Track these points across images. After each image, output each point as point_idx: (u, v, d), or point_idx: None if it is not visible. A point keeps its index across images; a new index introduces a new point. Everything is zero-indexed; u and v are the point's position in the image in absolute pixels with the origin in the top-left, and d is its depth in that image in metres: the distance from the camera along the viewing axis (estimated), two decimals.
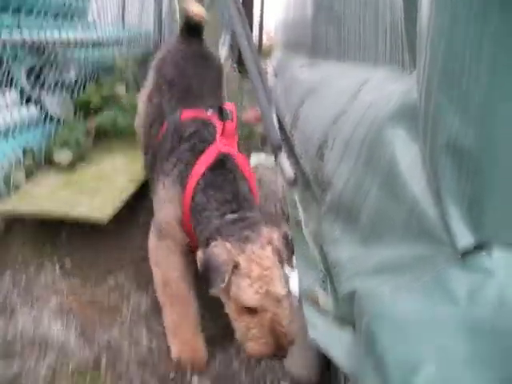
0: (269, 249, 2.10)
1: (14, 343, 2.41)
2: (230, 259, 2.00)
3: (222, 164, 2.36)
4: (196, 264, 2.15)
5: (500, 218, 1.51)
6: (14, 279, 2.82)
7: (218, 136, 2.45)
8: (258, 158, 4.62)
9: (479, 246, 1.49)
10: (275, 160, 3.82)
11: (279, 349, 2.00)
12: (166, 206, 2.40)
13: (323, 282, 2.29)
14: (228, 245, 2.03)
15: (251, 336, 2.00)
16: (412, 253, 1.71)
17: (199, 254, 2.10)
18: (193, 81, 2.83)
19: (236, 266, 2.01)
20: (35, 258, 2.94)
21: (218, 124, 2.52)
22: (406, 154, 1.89)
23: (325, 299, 2.17)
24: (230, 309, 2.07)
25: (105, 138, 3.90)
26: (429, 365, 1.31)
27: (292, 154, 3.37)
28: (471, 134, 1.47)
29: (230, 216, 2.18)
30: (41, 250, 2.99)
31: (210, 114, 2.63)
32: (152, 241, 2.44)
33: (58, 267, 2.87)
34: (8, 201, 3.03)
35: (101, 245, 3.00)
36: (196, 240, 2.29)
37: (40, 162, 3.48)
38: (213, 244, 2.06)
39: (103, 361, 2.34)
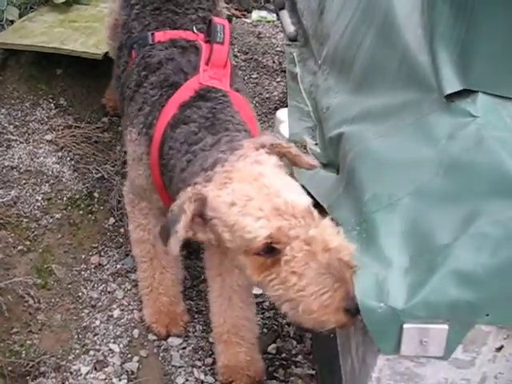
0: (261, 152, 1.48)
1: (11, 173, 2.51)
2: (185, 197, 1.40)
3: (201, 99, 1.70)
4: None
5: (488, 68, 1.53)
6: (10, 114, 2.87)
7: (201, 65, 1.77)
8: (258, 15, 4.52)
9: (465, 93, 1.53)
10: (277, 16, 3.74)
11: (346, 287, 1.26)
12: (134, 166, 1.88)
13: (312, 130, 2.34)
14: (189, 188, 1.44)
15: (298, 292, 1.28)
16: (399, 99, 1.74)
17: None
18: None
19: (202, 201, 1.40)
20: (30, 94, 2.96)
21: (205, 47, 1.82)
22: (404, 3, 1.87)
23: (312, 146, 2.23)
24: (244, 269, 1.40)
25: None
26: (406, 198, 1.38)
27: (294, 11, 3.28)
28: None
29: (201, 144, 1.58)
30: (36, 87, 3.00)
31: (194, 33, 1.93)
32: (127, 199, 2.02)
33: (52, 105, 2.91)
34: (2, 34, 3.00)
35: (94, 85, 2.99)
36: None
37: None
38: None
39: (95, 194, 2.45)
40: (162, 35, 1.91)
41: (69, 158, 2.58)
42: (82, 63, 2.95)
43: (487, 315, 1.16)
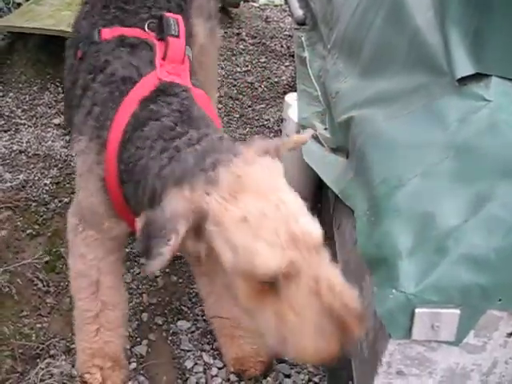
0: (267, 160, 1.30)
1: (19, 157, 2.51)
2: (184, 208, 1.18)
3: (163, 94, 1.52)
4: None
5: (501, 52, 1.51)
6: (18, 98, 2.86)
7: (157, 61, 1.59)
8: None
9: (478, 77, 1.51)
10: (285, 0, 3.71)
11: (346, 335, 1.12)
12: (82, 182, 1.61)
13: (322, 115, 2.32)
14: (186, 191, 1.20)
15: (292, 330, 1.16)
16: (409, 82, 1.73)
17: (137, 222, 1.22)
18: None
19: (202, 215, 1.19)
20: (38, 78, 2.96)
21: (159, 44, 1.65)
22: None
23: (322, 131, 2.21)
24: (235, 291, 1.23)
25: None
26: (414, 179, 1.36)
27: None
28: None
29: (185, 139, 1.39)
30: (43, 71, 3.00)
31: (144, 31, 1.72)
32: (70, 225, 1.71)
33: (60, 88, 2.90)
34: (9, 18, 2.99)
35: None
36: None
37: None
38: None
39: None
40: (108, 32, 1.69)
41: None
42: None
43: (500, 300, 1.16)
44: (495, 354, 1.25)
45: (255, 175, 1.21)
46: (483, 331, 1.21)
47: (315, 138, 2.20)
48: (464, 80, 1.52)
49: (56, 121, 2.70)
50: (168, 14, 1.67)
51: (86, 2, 1.87)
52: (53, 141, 2.56)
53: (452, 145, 1.39)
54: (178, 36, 1.62)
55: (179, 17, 1.69)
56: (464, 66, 1.53)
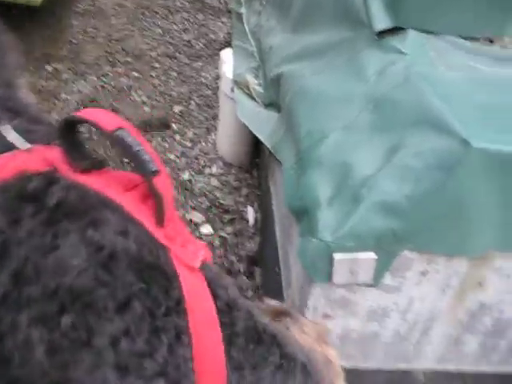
0: None
1: None
2: None
3: None
4: None
5: (417, 5, 1.56)
6: None
7: None
8: None
9: (395, 31, 1.56)
10: None
11: None
12: None
13: (256, 70, 2.35)
14: None
15: None
16: (335, 37, 1.78)
17: None
18: None
19: None
20: None
21: None
22: None
23: (256, 86, 2.24)
24: None
25: None
26: (333, 133, 1.42)
27: None
28: None
29: None
30: None
31: None
32: None
33: None
34: None
35: (35, 33, 2.89)
36: None
37: None
38: None
39: None
40: None
41: None
42: (20, 12, 2.85)
43: (411, 243, 1.24)
44: (411, 292, 1.34)
45: None
46: (398, 272, 1.29)
47: (248, 94, 2.23)
48: (383, 33, 1.58)
49: None
50: None
51: None
52: None
53: (371, 97, 1.44)
54: None
55: None
56: (382, 20, 1.59)
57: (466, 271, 1.29)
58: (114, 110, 2.60)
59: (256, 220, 2.42)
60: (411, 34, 1.52)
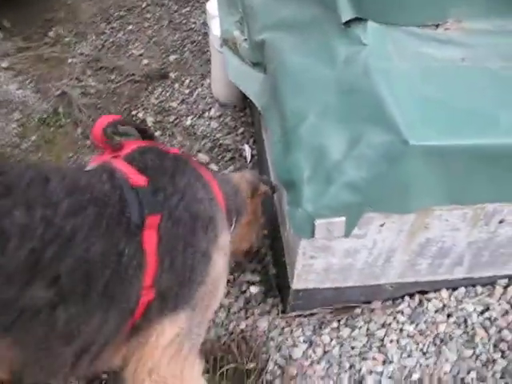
0: None
1: None
2: None
3: None
4: None
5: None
6: None
7: None
8: None
9: (358, 21, 1.80)
10: None
11: None
12: None
13: (240, 24, 2.55)
14: None
15: None
16: (307, 13, 2.02)
17: None
18: None
19: None
20: None
21: None
22: None
23: (242, 43, 2.45)
24: None
25: None
26: (311, 116, 1.75)
27: None
28: None
29: None
30: None
31: None
32: None
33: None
34: None
35: (34, 2, 3.09)
36: None
37: None
38: None
39: (60, 109, 2.75)
40: None
41: (28, 81, 2.82)
42: None
43: (370, 207, 1.68)
44: (374, 237, 1.80)
45: None
46: (364, 226, 1.74)
47: (236, 52, 2.48)
48: (349, 22, 1.81)
49: (4, 64, 2.90)
50: None
51: None
52: (6, 84, 2.81)
53: (340, 85, 1.73)
54: None
55: None
56: (347, 10, 1.81)
57: (413, 220, 1.75)
58: (118, 68, 2.90)
59: (252, 156, 2.80)
60: (371, 26, 1.77)
